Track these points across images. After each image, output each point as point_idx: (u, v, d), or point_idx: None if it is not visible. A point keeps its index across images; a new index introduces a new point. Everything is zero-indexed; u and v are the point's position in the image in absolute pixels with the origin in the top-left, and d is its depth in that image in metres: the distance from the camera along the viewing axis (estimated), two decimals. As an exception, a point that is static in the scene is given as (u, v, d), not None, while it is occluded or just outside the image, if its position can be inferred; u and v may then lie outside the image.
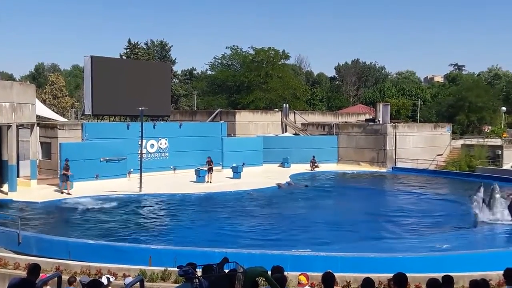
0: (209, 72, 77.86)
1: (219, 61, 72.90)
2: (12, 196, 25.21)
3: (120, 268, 12.98)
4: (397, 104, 66.31)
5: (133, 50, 70.19)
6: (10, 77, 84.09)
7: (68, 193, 25.98)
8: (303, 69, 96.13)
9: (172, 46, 79.57)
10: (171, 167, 34.62)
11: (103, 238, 17.50)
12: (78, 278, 10.01)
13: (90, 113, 35.15)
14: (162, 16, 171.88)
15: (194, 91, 75.95)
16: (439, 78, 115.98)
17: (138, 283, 7.36)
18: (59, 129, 31.99)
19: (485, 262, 14.14)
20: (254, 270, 6.15)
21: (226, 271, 6.72)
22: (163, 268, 12.82)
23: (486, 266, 13.16)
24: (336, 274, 8.28)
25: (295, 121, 48.94)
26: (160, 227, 20.97)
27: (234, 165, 33.03)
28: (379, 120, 43.74)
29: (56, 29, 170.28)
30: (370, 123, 44.24)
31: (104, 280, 9.28)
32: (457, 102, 58.95)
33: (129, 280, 9.23)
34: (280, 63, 67.64)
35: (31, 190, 26.99)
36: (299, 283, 8.88)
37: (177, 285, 9.79)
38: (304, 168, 38.16)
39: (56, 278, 7.41)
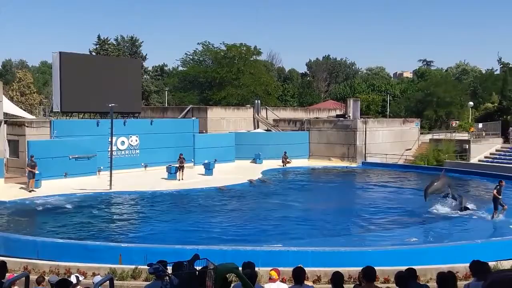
0: (180, 68, 77.50)
1: (191, 57, 72.58)
2: (-22, 195, 24.63)
3: (90, 267, 12.83)
4: (367, 100, 67.04)
5: (102, 46, 69.23)
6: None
7: (33, 190, 25.53)
8: (275, 65, 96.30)
9: (142, 42, 79.03)
10: (142, 164, 34.32)
11: (72, 237, 17.27)
12: (46, 278, 9.88)
13: (59, 110, 34.60)
14: (132, 11, 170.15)
15: (165, 87, 75.36)
16: (408, 74, 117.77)
17: (108, 281, 7.30)
18: (27, 126, 31.35)
19: (452, 255, 14.46)
20: (224, 267, 6.18)
21: (197, 268, 6.72)
22: (133, 266, 12.73)
23: (453, 259, 13.47)
24: (306, 269, 8.36)
25: (267, 117, 49.07)
26: (130, 225, 20.78)
27: (206, 161, 32.92)
28: (349, 116, 44.17)
29: (24, 24, 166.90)
30: (340, 118, 44.66)
31: (73, 279, 9.18)
32: (426, 97, 60.00)
33: (98, 278, 9.14)
34: (252, 59, 67.57)
35: (-2, 189, 26.40)
36: (270, 278, 8.93)
37: (148, 283, 9.73)
38: (276, 164, 38.30)
39: (24, 278, 7.29)
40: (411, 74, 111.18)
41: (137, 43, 78.29)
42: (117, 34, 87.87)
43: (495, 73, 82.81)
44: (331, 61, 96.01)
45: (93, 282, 9.03)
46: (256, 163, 38.90)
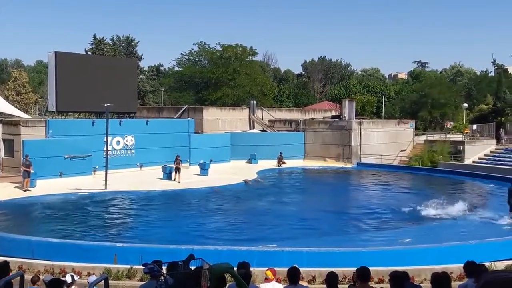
0: (176, 68, 77.34)
1: (187, 57, 72.49)
2: (-27, 194, 24.56)
3: (85, 267, 12.84)
4: (362, 101, 67.21)
5: (98, 46, 69.02)
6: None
7: (28, 190, 25.48)
8: (271, 65, 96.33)
9: (138, 42, 78.54)
10: (138, 164, 34.28)
11: (67, 237, 17.25)
12: (41, 277, 9.87)
13: (54, 110, 34.50)
14: (128, 11, 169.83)
15: (161, 87, 75.26)
16: (403, 75, 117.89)
17: (103, 281, 7.31)
18: (22, 126, 31.28)
19: (447, 255, 14.52)
20: (219, 267, 6.19)
21: (192, 268, 6.74)
22: (128, 266, 12.75)
23: (447, 259, 13.54)
24: (301, 269, 8.40)
25: (262, 118, 49.09)
26: (126, 224, 20.77)
27: (202, 161, 32.90)
28: (344, 117, 44.23)
29: (19, 24, 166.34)
30: (336, 119, 44.70)
31: (68, 278, 9.18)
32: (420, 99, 60.17)
33: (93, 278, 9.14)
34: (247, 59, 67.60)
35: (-8, 188, 26.33)
36: (266, 278, 8.96)
37: (143, 283, 9.73)
38: (271, 164, 38.34)
39: (18, 278, 7.29)
40: (406, 76, 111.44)
41: (133, 43, 78.04)
42: (113, 34, 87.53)
43: (490, 74, 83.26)
44: (326, 62, 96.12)
45: (88, 282, 9.03)
46: (251, 163, 38.91)
